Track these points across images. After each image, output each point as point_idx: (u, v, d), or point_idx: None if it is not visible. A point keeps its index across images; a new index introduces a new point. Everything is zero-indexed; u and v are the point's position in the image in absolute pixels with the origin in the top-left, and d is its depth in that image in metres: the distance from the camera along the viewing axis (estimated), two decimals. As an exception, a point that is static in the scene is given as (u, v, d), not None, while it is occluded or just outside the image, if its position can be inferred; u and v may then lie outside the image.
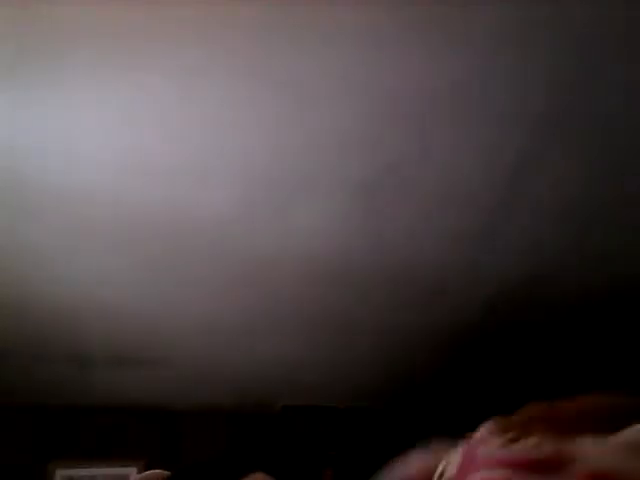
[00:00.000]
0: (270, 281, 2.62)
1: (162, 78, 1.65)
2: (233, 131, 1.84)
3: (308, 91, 1.72)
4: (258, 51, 1.59)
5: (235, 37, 1.55)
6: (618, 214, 2.27)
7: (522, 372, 3.51)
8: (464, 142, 1.93)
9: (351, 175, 2.04)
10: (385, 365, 3.45)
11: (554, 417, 0.40)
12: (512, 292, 2.76)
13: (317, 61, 1.62)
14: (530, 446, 0.36)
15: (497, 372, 3.50)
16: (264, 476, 0.86)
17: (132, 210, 2.14)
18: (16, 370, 3.21)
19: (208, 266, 2.49)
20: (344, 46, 1.59)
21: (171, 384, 3.48)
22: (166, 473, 0.89)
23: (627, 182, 2.12)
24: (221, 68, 1.63)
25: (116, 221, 2.18)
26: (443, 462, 0.41)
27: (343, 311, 2.90)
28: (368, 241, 2.39)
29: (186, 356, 3.22)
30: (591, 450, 0.34)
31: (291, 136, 1.87)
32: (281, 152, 1.93)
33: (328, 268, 2.55)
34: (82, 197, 2.05)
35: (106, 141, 1.85)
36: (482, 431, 0.42)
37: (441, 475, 0.40)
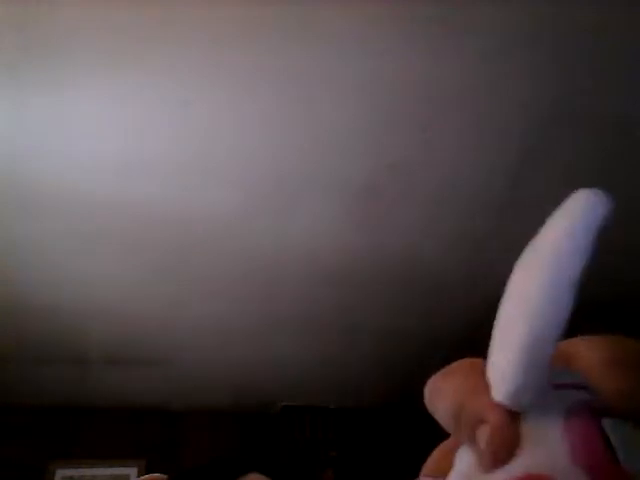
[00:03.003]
0: (270, 281, 2.62)
1: (162, 78, 1.65)
2: (233, 131, 1.84)
3: (308, 91, 1.72)
4: (258, 51, 1.59)
5: (236, 37, 1.55)
6: (618, 214, 2.27)
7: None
8: (465, 142, 1.93)
9: (352, 175, 2.04)
10: (385, 365, 3.45)
11: None
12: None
13: (317, 61, 1.62)
14: None
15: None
16: (259, 476, 0.86)
17: (132, 210, 2.14)
18: (17, 370, 3.21)
19: (208, 266, 2.49)
20: (345, 46, 1.59)
21: (171, 384, 3.48)
22: (163, 477, 0.88)
23: (628, 182, 2.12)
24: (221, 68, 1.63)
25: (116, 221, 2.18)
26: None
27: (343, 311, 2.90)
28: (369, 241, 2.39)
29: (186, 356, 3.22)
30: None
31: (291, 136, 1.87)
32: (282, 152, 1.93)
33: (328, 268, 2.55)
34: (82, 198, 2.05)
35: (106, 141, 1.85)
36: None
37: None
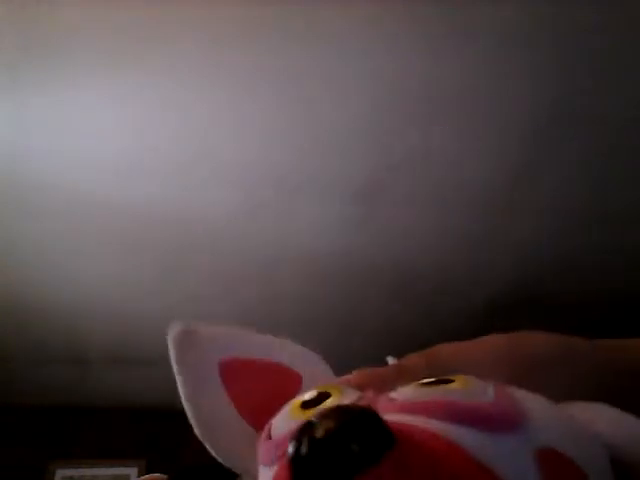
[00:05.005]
0: (271, 281, 2.62)
1: (162, 78, 1.65)
2: (233, 131, 1.84)
3: (309, 91, 1.72)
4: (258, 51, 1.59)
5: (236, 37, 1.55)
6: (618, 214, 2.27)
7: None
8: (465, 142, 1.93)
9: (352, 175, 2.04)
10: (385, 365, 3.44)
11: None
12: (512, 292, 2.76)
13: (317, 61, 1.62)
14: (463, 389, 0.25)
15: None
16: None
17: (132, 210, 2.14)
18: (17, 370, 3.21)
19: (208, 266, 2.49)
20: (345, 46, 1.59)
21: (171, 384, 3.46)
22: (164, 477, 0.88)
23: (627, 182, 2.12)
24: (221, 68, 1.63)
25: (116, 221, 2.18)
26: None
27: (343, 311, 2.90)
28: (369, 241, 2.39)
29: (186, 356, 3.22)
30: (541, 419, 0.24)
31: (291, 136, 1.87)
32: (282, 152, 1.93)
33: (329, 268, 2.55)
34: (82, 198, 2.05)
35: (106, 141, 1.85)
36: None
37: None
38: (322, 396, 0.25)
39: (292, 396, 0.27)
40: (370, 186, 2.09)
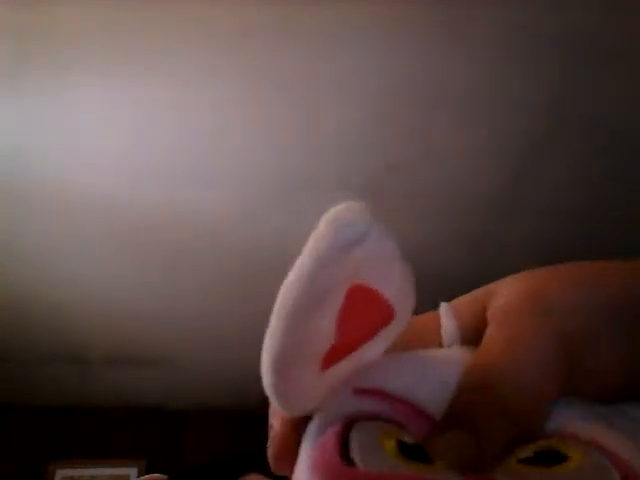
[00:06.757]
0: (270, 282, 2.62)
1: (162, 78, 1.65)
2: (233, 131, 1.84)
3: (308, 91, 1.72)
4: (258, 51, 1.59)
5: (235, 37, 1.55)
6: (619, 214, 2.27)
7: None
8: (465, 143, 1.93)
9: (352, 176, 2.04)
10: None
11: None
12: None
13: (318, 61, 1.62)
14: None
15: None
16: (259, 476, 0.86)
17: (133, 211, 2.14)
18: (16, 371, 3.21)
19: (208, 267, 2.49)
20: (345, 46, 1.59)
21: (171, 384, 3.48)
22: (163, 477, 0.88)
23: (627, 182, 2.12)
24: (221, 68, 1.63)
25: (116, 222, 2.18)
26: None
27: (343, 311, 2.90)
28: (368, 241, 2.39)
29: (186, 356, 3.22)
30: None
31: (291, 136, 1.87)
32: (282, 152, 1.93)
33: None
34: (83, 198, 2.05)
35: (106, 142, 1.85)
36: None
37: None
38: (420, 448, 0.21)
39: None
40: (370, 186, 2.09)
